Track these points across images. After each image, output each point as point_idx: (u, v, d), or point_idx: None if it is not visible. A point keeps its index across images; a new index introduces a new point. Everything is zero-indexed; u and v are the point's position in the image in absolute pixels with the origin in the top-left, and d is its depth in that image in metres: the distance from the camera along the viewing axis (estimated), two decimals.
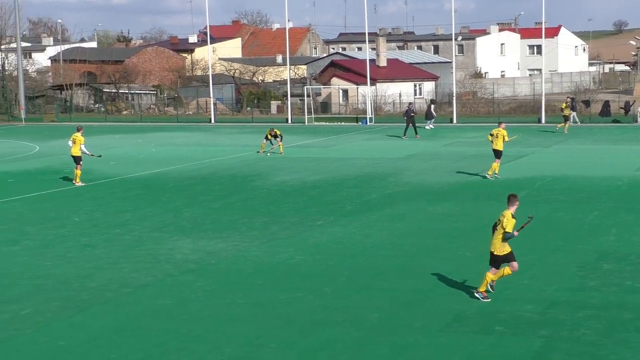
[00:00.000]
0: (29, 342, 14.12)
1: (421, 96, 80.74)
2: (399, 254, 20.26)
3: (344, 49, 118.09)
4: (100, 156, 34.64)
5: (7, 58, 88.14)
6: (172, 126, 67.07)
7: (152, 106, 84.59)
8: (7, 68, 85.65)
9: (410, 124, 51.91)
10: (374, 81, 74.21)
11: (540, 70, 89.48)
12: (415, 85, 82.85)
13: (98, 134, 58.48)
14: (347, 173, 35.02)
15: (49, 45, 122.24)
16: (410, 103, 60.04)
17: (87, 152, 32.98)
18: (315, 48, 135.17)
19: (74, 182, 32.74)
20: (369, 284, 17.51)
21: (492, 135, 32.70)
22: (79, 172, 32.60)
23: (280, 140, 42.76)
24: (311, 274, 18.45)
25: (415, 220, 24.57)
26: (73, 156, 32.79)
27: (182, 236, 22.62)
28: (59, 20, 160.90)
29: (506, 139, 32.37)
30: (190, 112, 79.94)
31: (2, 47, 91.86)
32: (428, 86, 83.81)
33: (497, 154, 32.42)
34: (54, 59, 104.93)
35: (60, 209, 27.20)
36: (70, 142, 33.03)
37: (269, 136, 42.80)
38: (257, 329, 14.63)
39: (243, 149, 44.34)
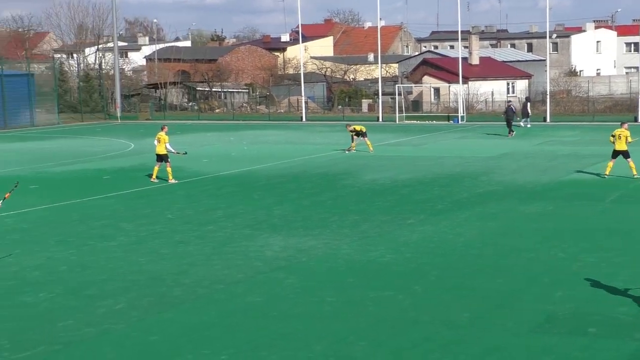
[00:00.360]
0: (123, 336, 14.37)
1: (514, 94, 79.84)
2: (489, 253, 20.07)
3: (435, 47, 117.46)
4: (185, 153, 35.05)
5: (104, 57, 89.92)
6: (264, 124, 67.58)
7: (244, 104, 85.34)
8: (104, 67, 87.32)
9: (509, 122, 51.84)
10: (466, 79, 73.66)
11: (637, 68, 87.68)
12: (507, 84, 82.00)
13: (191, 132, 59.27)
14: (437, 172, 34.83)
15: (145, 45, 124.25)
16: (509, 101, 59.54)
17: (173, 150, 33.41)
18: (407, 46, 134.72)
19: (151, 179, 33.30)
20: (460, 283, 17.38)
21: (613, 136, 31.88)
22: (169, 169, 32.95)
23: (366, 137, 42.62)
24: (401, 272, 18.40)
25: (506, 219, 24.31)
26: (158, 154, 33.24)
27: (273, 233, 22.77)
28: (155, 20, 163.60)
29: (629, 139, 31.54)
30: (282, 110, 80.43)
31: (100, 46, 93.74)
32: (521, 84, 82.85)
33: (624, 154, 31.46)
34: (149, 58, 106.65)
35: (154, 206, 27.62)
36: (155, 142, 33.49)
37: (351, 134, 42.74)
38: (347, 327, 14.64)
39: (334, 147, 44.40)
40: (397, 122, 66.55)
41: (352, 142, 43.04)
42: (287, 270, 18.73)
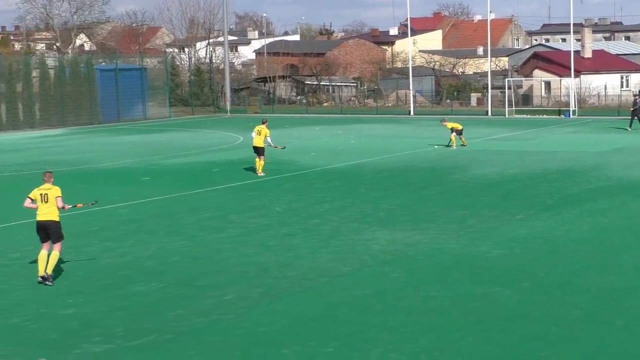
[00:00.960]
0: (231, 327, 14.58)
1: (628, 88, 78.03)
2: (600, 250, 19.71)
3: (547, 40, 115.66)
4: (284, 148, 35.27)
5: (214, 51, 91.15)
6: (372, 118, 67.57)
7: (352, 98, 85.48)
8: (214, 61, 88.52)
9: (636, 117, 50.58)
10: (577, 73, 72.30)
11: None
12: (621, 77, 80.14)
13: (299, 125, 59.65)
14: (547, 167, 34.33)
15: (254, 39, 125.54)
16: (636, 95, 58.19)
17: (272, 145, 33.65)
18: (517, 39, 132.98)
19: (256, 173, 33.50)
20: (570, 280, 17.12)
21: None
22: (262, 162, 33.19)
23: (459, 134, 42.14)
24: (509, 268, 18.21)
25: (618, 216, 23.82)
26: (255, 147, 33.43)
27: (379, 227, 22.78)
28: (264, 14, 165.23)
29: None
30: (390, 104, 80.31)
31: (210, 40, 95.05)
32: (636, 78, 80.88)
33: None
34: (258, 52, 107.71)
35: (262, 199, 27.91)
36: (253, 134, 33.74)
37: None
38: (454, 322, 14.58)
39: (442, 142, 44.14)
40: (507, 116, 65.78)
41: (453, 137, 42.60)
42: (393, 264, 18.73)
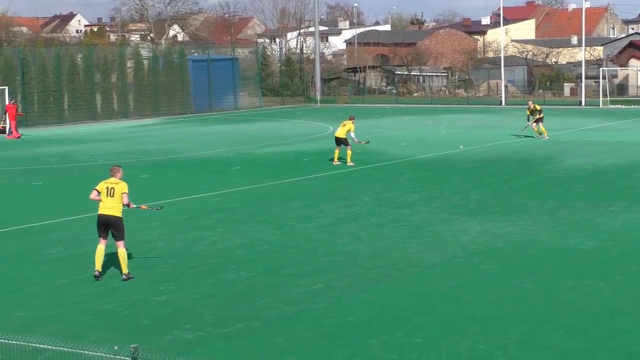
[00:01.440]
0: (319, 316, 14.66)
1: None
2: None
3: None
4: (367, 142, 35.10)
5: (305, 42, 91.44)
6: (462, 108, 67.06)
7: (442, 88, 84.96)
8: (305, 51, 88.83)
9: None
10: None
11: None
12: None
13: (389, 116, 59.51)
14: None
15: (345, 29, 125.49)
16: None
17: (356, 140, 33.55)
18: (612, 28, 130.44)
19: (333, 162, 33.56)
20: None
21: None
22: (349, 152, 33.18)
23: (540, 122, 41.40)
24: (602, 260, 17.93)
25: None
26: (336, 137, 33.52)
27: (469, 218, 22.63)
28: (355, 4, 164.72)
29: None
30: (481, 94, 79.59)
31: (301, 31, 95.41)
32: None
33: None
34: (349, 42, 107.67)
35: (351, 189, 27.95)
36: (340, 127, 33.74)
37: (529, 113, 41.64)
38: (544, 314, 14.41)
39: (533, 132, 43.57)
40: (601, 106, 64.62)
41: (530, 122, 41.57)
42: (483, 256, 18.60)
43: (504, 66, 72.40)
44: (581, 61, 72.04)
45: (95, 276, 16.86)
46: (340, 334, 13.69)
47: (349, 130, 33.22)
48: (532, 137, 41.70)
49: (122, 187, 16.97)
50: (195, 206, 25.36)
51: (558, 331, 13.49)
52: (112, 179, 17.08)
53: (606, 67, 74.26)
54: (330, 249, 19.49)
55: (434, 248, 19.33)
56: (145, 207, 18.61)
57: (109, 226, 16.89)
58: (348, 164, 33.21)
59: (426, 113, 61.71)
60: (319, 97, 76.30)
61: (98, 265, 16.90)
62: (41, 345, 11.40)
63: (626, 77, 77.59)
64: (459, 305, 15.01)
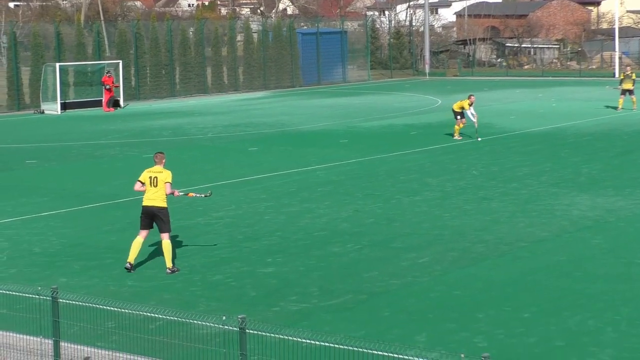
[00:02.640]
0: (425, 289, 14.62)
1: None
2: None
3: None
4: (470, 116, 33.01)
5: (414, 14, 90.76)
6: (574, 81, 65.72)
7: (554, 60, 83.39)
8: (414, 24, 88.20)
9: None
10: None
11: None
12: None
13: (499, 88, 58.73)
14: None
15: (455, 1, 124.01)
16: None
17: (470, 115, 32.33)
18: None
19: (453, 136, 33.10)
20: None
21: None
22: (457, 127, 32.70)
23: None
24: None
25: None
26: (453, 111, 32.94)
27: (579, 192, 22.22)
28: None
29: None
30: (594, 67, 77.87)
31: (411, 3, 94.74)
32: None
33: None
34: (459, 14, 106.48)
35: (460, 162, 27.72)
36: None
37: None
38: None
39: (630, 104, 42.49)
40: None
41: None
42: (593, 230, 18.26)
43: (619, 37, 70.62)
44: None
45: (126, 268, 15.86)
46: (447, 307, 13.63)
47: (461, 107, 32.41)
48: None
49: (165, 176, 15.83)
50: (302, 179, 25.50)
51: None
52: (156, 167, 15.97)
53: None
54: (436, 222, 19.39)
55: (543, 222, 19.06)
56: (193, 195, 17.36)
57: (153, 218, 15.83)
58: (455, 137, 32.96)
59: (537, 86, 60.68)
60: (427, 70, 75.71)
61: (131, 257, 15.88)
62: (152, 314, 11.64)
63: None
64: (568, 281, 14.78)
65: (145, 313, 11.45)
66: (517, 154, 28.89)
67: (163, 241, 15.79)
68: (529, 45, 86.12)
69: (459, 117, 32.45)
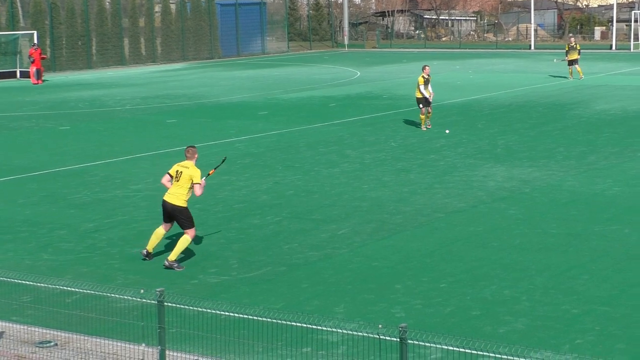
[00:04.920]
0: (345, 261, 14.71)
1: None
2: None
3: None
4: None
5: None
6: (491, 53, 66.46)
7: (471, 32, 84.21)
8: None
9: None
10: None
11: None
12: None
13: (417, 60, 59.06)
14: None
15: None
16: None
17: (428, 92, 28.21)
18: None
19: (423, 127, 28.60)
20: None
21: None
22: (422, 116, 28.48)
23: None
24: (629, 206, 17.83)
25: None
26: (417, 98, 28.48)
27: (496, 164, 22.54)
28: None
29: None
30: (510, 39, 78.82)
31: None
32: None
33: None
34: None
35: (378, 134, 27.88)
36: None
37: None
38: (570, 260, 14.39)
39: (562, 77, 43.17)
40: (632, 50, 63.84)
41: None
42: (509, 201, 18.54)
43: (534, 10, 71.55)
44: (612, 4, 71.04)
45: (142, 254, 14.89)
46: (365, 278, 13.74)
47: (419, 85, 28.34)
48: (565, 77, 41.54)
49: (191, 173, 14.51)
50: (221, 151, 25.37)
51: (583, 277, 13.47)
52: (186, 162, 14.71)
53: (638, 9, 73.20)
54: (355, 194, 19.49)
55: (460, 193, 19.30)
56: (213, 172, 15.82)
57: (172, 215, 14.55)
58: (424, 127, 28.60)
59: (454, 57, 61.24)
60: (346, 42, 75.86)
61: (150, 245, 14.86)
62: (69, 288, 11.54)
63: None
64: (484, 251, 15.01)
65: (61, 287, 11.33)
66: (435, 125, 29.13)
67: (184, 236, 14.47)
68: (447, 18, 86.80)
69: (421, 105, 28.35)
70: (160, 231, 14.84)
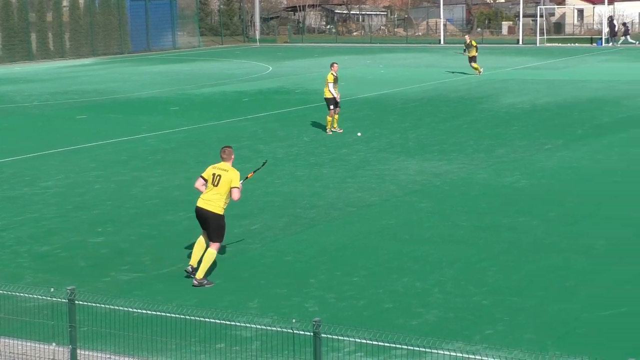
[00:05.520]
0: (258, 256, 14.70)
1: None
2: (630, 180, 19.60)
3: None
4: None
5: None
6: (401, 47, 67.05)
7: (382, 27, 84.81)
8: None
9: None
10: (611, 1, 71.14)
11: None
12: None
13: (328, 55, 59.27)
14: (578, 96, 34.03)
15: None
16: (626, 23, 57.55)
17: (334, 93, 26.56)
18: None
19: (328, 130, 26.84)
20: (597, 210, 17.08)
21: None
22: (330, 118, 26.73)
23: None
24: (537, 198, 18.18)
25: None
26: (326, 99, 26.86)
27: (407, 157, 22.76)
28: None
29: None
30: (420, 33, 79.63)
31: None
32: None
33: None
34: None
35: (290, 129, 27.91)
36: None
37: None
38: (480, 251, 14.62)
39: (471, 71, 43.77)
40: (538, 44, 65.05)
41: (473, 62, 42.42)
42: (421, 194, 18.75)
43: (443, 5, 72.39)
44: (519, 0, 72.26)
45: (187, 271, 13.49)
46: (279, 273, 13.75)
47: (327, 81, 26.68)
48: (470, 74, 42.09)
49: (231, 176, 13.32)
50: (132, 147, 25.16)
51: (493, 268, 13.70)
52: (223, 164, 13.51)
53: (543, 5, 74.60)
54: (268, 189, 19.50)
55: (372, 187, 19.44)
56: (252, 174, 14.84)
57: (205, 223, 13.35)
58: (332, 130, 26.72)
59: (365, 52, 61.62)
60: (258, 37, 75.73)
61: (194, 259, 13.45)
62: None
63: (562, 16, 78.10)
64: (397, 244, 15.15)
65: None
66: (347, 120, 29.27)
67: (209, 250, 13.25)
68: (358, 12, 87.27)
69: (331, 106, 26.63)
70: (202, 241, 13.43)
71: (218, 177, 13.27)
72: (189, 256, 13.82)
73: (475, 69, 42.27)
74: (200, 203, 13.29)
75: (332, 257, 14.51)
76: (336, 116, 26.91)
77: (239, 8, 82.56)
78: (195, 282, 13.15)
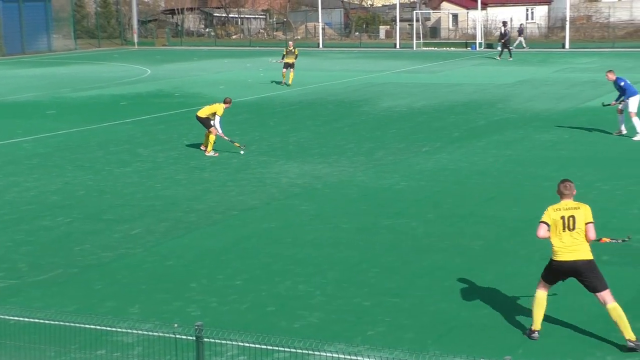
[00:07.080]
0: (139, 261, 14.54)
1: (533, 21, 78.94)
2: (505, 181, 20.10)
3: None
4: (244, 146, 24.66)
5: None
6: (281, 51, 67.08)
7: (261, 30, 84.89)
8: None
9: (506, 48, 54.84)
10: (484, 6, 72.85)
11: None
12: (527, 10, 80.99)
13: (208, 58, 59.08)
14: (454, 99, 34.71)
15: None
16: (506, 26, 58.70)
17: (218, 131, 24.12)
18: None
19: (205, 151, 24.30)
20: (474, 211, 17.45)
21: None
22: (212, 137, 24.01)
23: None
24: (415, 200, 18.47)
25: (522, 148, 24.25)
26: (198, 117, 24.37)
27: (288, 160, 22.83)
28: None
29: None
30: (299, 37, 79.98)
31: None
32: (541, 11, 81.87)
33: None
34: None
35: (171, 132, 27.70)
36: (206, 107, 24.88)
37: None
38: (360, 253, 14.76)
39: (350, 75, 44.23)
40: (415, 48, 66.11)
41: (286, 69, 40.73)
42: (301, 197, 18.83)
43: (322, 9, 72.91)
44: (396, 4, 73.32)
45: (534, 338, 11.04)
46: (160, 278, 13.63)
47: (214, 112, 24.13)
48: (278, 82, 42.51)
49: (584, 213, 10.86)
50: (7, 152, 24.57)
51: (374, 270, 13.85)
52: (567, 202, 11.02)
53: (419, 10, 75.86)
54: (148, 193, 19.30)
55: (254, 191, 19.44)
56: (608, 240, 12.00)
57: (575, 275, 10.96)
58: (207, 153, 23.94)
59: (245, 55, 61.59)
60: (136, 40, 74.91)
61: (537, 323, 11.11)
62: None
63: (438, 20, 79.58)
64: (278, 247, 15.18)
65: None
66: (227, 124, 29.01)
67: (608, 306, 10.79)
68: (236, 16, 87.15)
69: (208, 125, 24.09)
70: (543, 296, 11.16)
71: (571, 219, 10.87)
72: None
73: (290, 77, 40.41)
74: (566, 256, 10.88)
75: (213, 261, 14.45)
76: (213, 137, 24.12)
77: (116, 10, 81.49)
78: (631, 344, 10.67)
